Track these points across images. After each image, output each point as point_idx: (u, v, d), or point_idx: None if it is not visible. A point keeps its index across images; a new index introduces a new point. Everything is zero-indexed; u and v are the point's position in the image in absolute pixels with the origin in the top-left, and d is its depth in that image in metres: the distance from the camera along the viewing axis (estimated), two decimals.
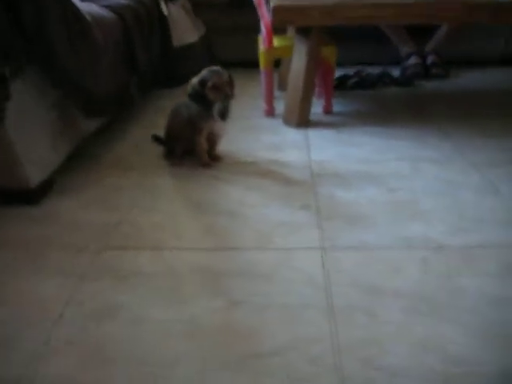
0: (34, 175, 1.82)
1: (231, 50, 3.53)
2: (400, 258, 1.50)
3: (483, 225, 1.65)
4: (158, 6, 3.10)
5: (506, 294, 1.34)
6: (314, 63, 2.49)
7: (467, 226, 1.65)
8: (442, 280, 1.40)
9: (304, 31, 2.45)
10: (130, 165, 2.17)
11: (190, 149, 2.13)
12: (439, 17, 2.44)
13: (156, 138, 2.31)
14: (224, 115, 2.06)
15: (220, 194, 1.91)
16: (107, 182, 2.01)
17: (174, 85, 3.05)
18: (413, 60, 3.35)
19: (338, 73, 2.88)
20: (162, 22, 3.10)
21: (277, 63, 2.86)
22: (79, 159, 2.15)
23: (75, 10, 1.95)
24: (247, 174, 2.06)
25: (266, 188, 1.95)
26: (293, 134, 2.46)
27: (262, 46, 2.70)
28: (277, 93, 2.90)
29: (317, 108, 2.71)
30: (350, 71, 3.24)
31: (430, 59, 3.38)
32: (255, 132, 2.50)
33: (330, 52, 2.62)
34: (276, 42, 2.70)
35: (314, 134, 2.45)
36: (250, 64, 3.15)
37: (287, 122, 2.58)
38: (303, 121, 2.56)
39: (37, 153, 1.84)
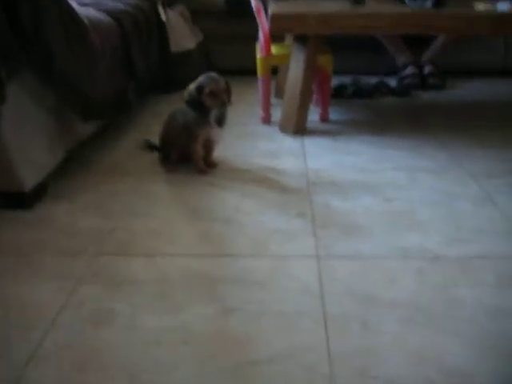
0: (29, 178, 1.81)
1: (229, 57, 3.53)
2: (396, 268, 1.49)
3: (480, 235, 1.65)
4: (156, 11, 3.10)
5: (503, 305, 1.33)
6: (311, 71, 2.49)
7: (464, 237, 1.64)
8: (438, 290, 1.39)
9: (301, 39, 2.45)
10: (126, 170, 2.16)
11: (186, 155, 2.12)
12: (436, 28, 2.45)
13: (149, 145, 2.29)
14: (221, 122, 2.06)
15: (216, 201, 1.90)
16: (103, 188, 2.00)
17: (171, 90, 3.05)
18: (409, 70, 3.36)
19: (334, 81, 2.87)
20: (160, 28, 3.10)
21: (274, 71, 2.86)
22: (75, 164, 2.14)
23: (73, 13, 1.95)
24: (243, 180, 2.06)
25: (262, 195, 1.94)
26: (289, 142, 2.46)
27: (259, 54, 2.70)
28: (274, 100, 2.90)
29: (313, 116, 2.71)
30: (347, 80, 3.24)
31: (426, 69, 3.38)
32: (252, 139, 2.50)
33: (326, 60, 2.63)
34: (274, 49, 2.70)
35: (310, 142, 2.44)
36: (247, 71, 3.15)
37: (284, 129, 2.58)
38: (300, 128, 2.55)
39: (32, 156, 1.83)
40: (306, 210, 1.82)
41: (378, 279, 1.44)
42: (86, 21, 2.06)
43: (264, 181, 2.05)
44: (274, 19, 2.35)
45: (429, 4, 2.44)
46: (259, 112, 2.75)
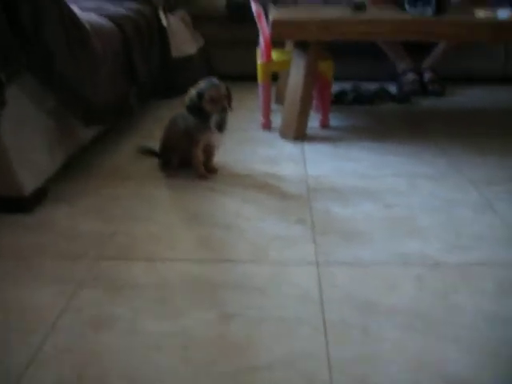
0: (28, 183, 1.81)
1: (230, 63, 3.54)
2: (396, 275, 1.49)
3: (480, 242, 1.65)
4: (157, 16, 3.11)
5: (503, 312, 1.33)
6: (312, 77, 2.50)
7: (464, 244, 1.64)
8: (438, 297, 1.39)
9: (302, 46, 2.46)
10: (127, 174, 2.16)
11: (187, 160, 2.13)
12: (437, 34, 2.46)
13: (146, 151, 2.30)
14: (221, 127, 2.06)
15: (216, 206, 1.91)
16: (103, 192, 2.00)
17: (172, 95, 3.06)
18: (410, 77, 3.36)
19: (334, 87, 2.88)
20: (162, 33, 3.11)
21: (274, 77, 2.87)
22: (75, 168, 2.14)
23: (74, 18, 1.95)
24: (243, 186, 2.06)
25: (262, 201, 1.94)
26: (289, 148, 2.46)
27: (260, 60, 2.70)
28: (274, 106, 2.90)
29: (314, 122, 2.71)
30: (347, 86, 3.25)
31: (426, 76, 3.39)
32: (252, 145, 2.50)
33: (327, 67, 2.63)
34: (274, 55, 2.71)
35: (310, 148, 2.45)
36: (248, 77, 3.16)
37: (284, 135, 2.58)
38: (300, 135, 2.56)
39: (32, 160, 1.83)
40: (305, 216, 1.82)
41: (378, 286, 1.44)
42: (87, 26, 2.07)
43: (264, 187, 2.06)
44: (275, 25, 2.36)
45: (429, 11, 2.45)
46: (259, 118, 2.75)
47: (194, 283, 1.46)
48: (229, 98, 2.04)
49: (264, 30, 2.62)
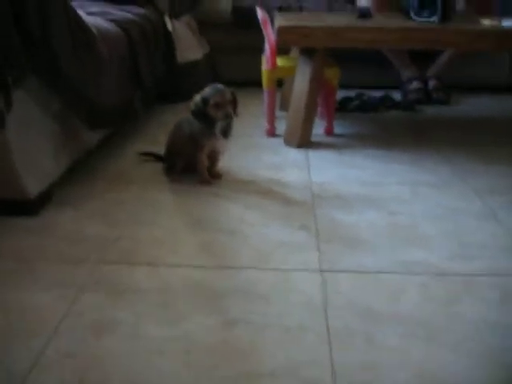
0: (33, 186, 1.81)
1: (235, 69, 3.55)
2: (399, 283, 1.49)
3: (484, 251, 1.64)
4: (163, 22, 3.12)
5: (507, 321, 1.33)
6: (317, 85, 2.50)
7: (467, 253, 1.64)
8: (441, 305, 1.39)
9: (308, 52, 2.46)
10: (131, 179, 2.16)
11: (191, 165, 2.13)
12: (442, 42, 2.46)
13: (147, 154, 2.32)
14: (226, 133, 2.06)
15: (220, 212, 1.91)
16: (107, 196, 2.00)
17: (177, 100, 3.06)
18: (414, 85, 3.36)
19: (338, 95, 2.88)
20: (167, 39, 3.12)
21: (279, 83, 2.87)
22: (80, 172, 2.15)
23: (80, 22, 1.96)
24: (247, 192, 2.06)
25: (266, 207, 1.94)
26: (293, 155, 2.46)
27: (265, 66, 2.71)
28: (279, 113, 2.90)
29: (318, 129, 2.72)
30: (352, 93, 3.25)
31: (431, 84, 3.39)
32: (256, 151, 2.50)
33: (332, 74, 2.64)
34: (279, 62, 2.71)
35: (314, 155, 2.45)
36: (253, 83, 3.16)
37: (288, 142, 2.59)
38: (304, 142, 2.56)
39: (37, 163, 1.83)
40: (309, 223, 1.82)
41: (382, 293, 1.44)
42: (94, 30, 2.08)
43: (268, 193, 2.06)
44: (281, 32, 2.37)
45: (435, 19, 2.46)
46: (264, 124, 2.75)
47: (196, 288, 1.46)
48: (234, 104, 2.04)
49: (269, 37, 2.62)
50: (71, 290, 1.44)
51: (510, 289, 1.46)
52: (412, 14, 2.57)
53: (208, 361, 1.19)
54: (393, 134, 2.78)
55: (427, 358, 1.20)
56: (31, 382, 1.13)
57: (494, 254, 1.63)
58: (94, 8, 2.62)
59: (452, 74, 3.43)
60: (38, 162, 1.84)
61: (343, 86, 2.92)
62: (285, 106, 2.94)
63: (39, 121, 1.86)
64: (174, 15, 3.30)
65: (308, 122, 2.55)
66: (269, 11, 2.94)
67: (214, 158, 2.15)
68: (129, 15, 2.70)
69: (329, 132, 2.74)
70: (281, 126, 2.70)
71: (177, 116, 2.31)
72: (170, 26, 3.19)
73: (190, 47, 3.38)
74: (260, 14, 2.73)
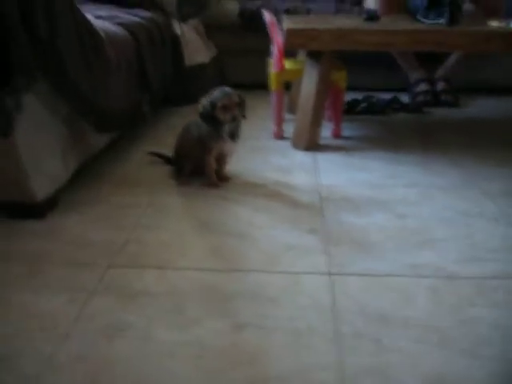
0: (41, 189, 1.82)
1: (243, 71, 3.55)
2: (409, 287, 1.48)
3: (495, 255, 1.63)
4: (170, 25, 3.12)
5: None
6: (325, 87, 2.50)
7: (478, 256, 1.63)
8: (452, 309, 1.38)
9: (315, 55, 2.46)
10: (139, 182, 2.17)
11: (199, 168, 2.13)
12: (449, 45, 2.45)
13: (156, 155, 2.33)
14: (234, 136, 2.06)
15: (228, 215, 1.90)
16: (114, 199, 2.01)
17: (184, 104, 3.07)
18: (422, 87, 3.36)
19: (347, 97, 2.88)
20: (175, 42, 3.13)
21: (287, 86, 2.87)
22: (87, 175, 2.15)
23: (88, 26, 1.96)
24: (255, 195, 2.06)
25: (274, 210, 1.94)
26: (301, 157, 2.46)
27: (272, 69, 2.71)
28: (286, 115, 2.90)
29: (326, 132, 2.71)
30: (359, 96, 3.25)
31: (439, 86, 3.38)
32: (264, 153, 2.50)
33: (340, 76, 2.63)
34: (286, 64, 2.71)
35: (322, 158, 2.44)
36: (260, 86, 3.16)
37: (296, 145, 2.58)
38: (312, 144, 2.55)
39: (45, 167, 1.84)
40: (318, 225, 1.82)
41: (392, 297, 1.43)
42: (102, 33, 2.08)
43: (276, 196, 2.05)
44: (289, 35, 2.36)
45: (443, 21, 2.45)
46: (271, 127, 2.75)
47: (206, 292, 1.45)
48: (242, 106, 2.04)
49: (277, 40, 2.62)
50: (82, 293, 1.44)
51: None
52: (419, 16, 2.57)
53: (218, 364, 1.19)
54: (401, 137, 2.77)
55: (438, 363, 1.20)
56: None
57: (505, 256, 1.62)
58: (102, 12, 2.62)
59: (460, 76, 3.42)
60: (46, 165, 1.84)
61: (351, 89, 2.92)
62: (292, 109, 2.94)
63: (48, 124, 1.86)
64: (182, 18, 3.30)
65: (316, 125, 2.55)
66: (276, 14, 2.94)
67: (222, 160, 2.15)
68: (136, 19, 2.70)
69: (336, 134, 2.74)
70: (288, 129, 2.70)
71: (184, 119, 2.31)
72: (177, 30, 3.19)
73: (197, 50, 3.38)
74: (267, 16, 2.73)
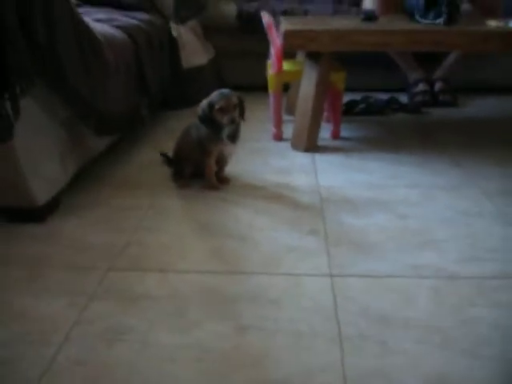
0: (41, 193, 1.82)
1: (241, 73, 3.54)
2: (410, 287, 1.48)
3: (495, 255, 1.63)
4: (168, 27, 3.12)
5: None
6: (323, 88, 2.49)
7: (479, 256, 1.63)
8: (453, 310, 1.38)
9: (314, 56, 2.45)
10: (138, 185, 2.16)
11: (199, 170, 2.12)
12: (447, 44, 2.45)
13: (165, 157, 2.33)
14: (234, 138, 2.06)
15: (228, 217, 1.90)
16: (115, 202, 2.00)
17: (183, 106, 3.06)
18: (421, 87, 3.35)
19: (344, 98, 2.87)
20: (172, 44, 3.12)
21: (285, 87, 2.87)
22: (87, 178, 2.15)
23: (87, 29, 1.96)
24: (255, 197, 2.05)
25: (275, 212, 1.93)
26: (301, 159, 2.46)
27: (271, 70, 2.70)
28: (285, 117, 2.90)
29: (325, 133, 2.71)
30: (358, 96, 3.24)
31: (437, 86, 3.38)
32: (263, 155, 2.50)
33: (338, 77, 2.63)
34: (285, 66, 2.70)
35: (321, 159, 2.44)
36: (258, 88, 3.16)
37: (295, 146, 2.58)
38: (311, 145, 2.55)
39: (44, 171, 1.83)
40: (318, 226, 1.81)
41: (393, 298, 1.43)
42: (100, 37, 2.08)
43: (276, 197, 2.05)
44: (287, 36, 2.36)
45: (441, 21, 2.45)
46: (271, 128, 2.75)
47: (207, 294, 1.45)
48: (241, 108, 2.03)
49: (275, 41, 2.62)
50: (81, 297, 1.43)
51: None
52: (417, 17, 2.57)
53: (220, 367, 1.19)
54: (400, 137, 2.76)
55: (440, 364, 1.19)
56: None
57: (506, 256, 1.62)
58: (101, 15, 2.62)
59: (459, 75, 3.42)
60: (45, 169, 1.84)
61: (349, 89, 2.91)
62: (291, 110, 2.93)
63: (46, 128, 1.86)
64: (179, 21, 3.30)
65: (315, 126, 2.54)
66: (274, 15, 2.94)
67: (221, 163, 2.15)
68: (134, 21, 2.70)
69: (335, 135, 2.73)
70: (287, 130, 2.69)
71: (182, 122, 2.31)
72: (174, 32, 3.19)
73: (195, 52, 3.38)
74: (265, 18, 2.73)
